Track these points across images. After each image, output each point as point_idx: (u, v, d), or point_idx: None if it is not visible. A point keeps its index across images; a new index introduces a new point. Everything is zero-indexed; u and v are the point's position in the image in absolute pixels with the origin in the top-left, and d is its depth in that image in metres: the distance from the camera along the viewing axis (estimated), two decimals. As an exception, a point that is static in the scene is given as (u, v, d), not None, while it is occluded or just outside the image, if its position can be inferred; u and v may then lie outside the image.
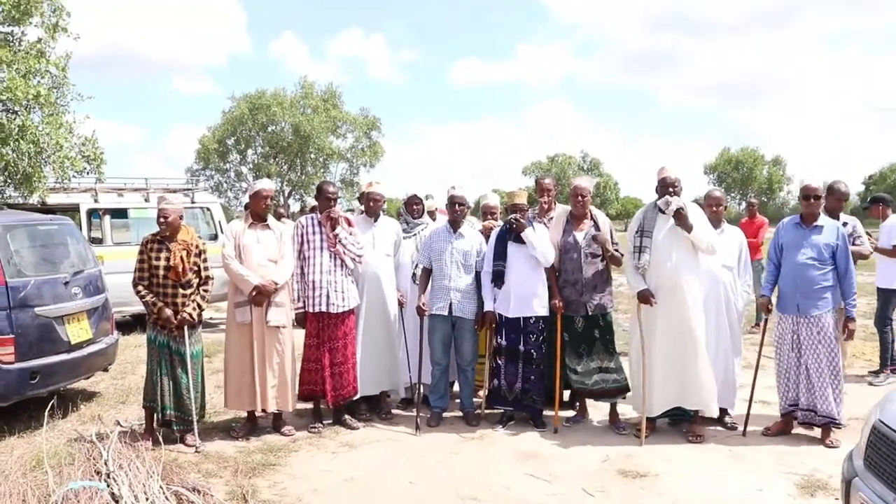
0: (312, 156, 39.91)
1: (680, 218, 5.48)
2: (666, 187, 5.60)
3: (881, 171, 55.73)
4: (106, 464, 4.60)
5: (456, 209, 6.24)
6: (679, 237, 5.55)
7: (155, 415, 5.71)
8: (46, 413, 5.57)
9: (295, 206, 35.36)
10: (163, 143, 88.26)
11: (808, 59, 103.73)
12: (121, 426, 6.10)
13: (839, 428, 5.55)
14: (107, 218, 11.13)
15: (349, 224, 6.09)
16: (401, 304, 6.43)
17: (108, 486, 4.31)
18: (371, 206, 6.36)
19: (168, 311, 5.53)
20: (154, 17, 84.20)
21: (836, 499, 4.52)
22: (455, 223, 6.26)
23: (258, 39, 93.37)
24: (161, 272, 5.58)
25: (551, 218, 6.36)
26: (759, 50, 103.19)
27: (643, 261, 5.61)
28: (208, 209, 11.97)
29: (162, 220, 5.59)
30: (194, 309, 5.67)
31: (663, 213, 5.54)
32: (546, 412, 6.09)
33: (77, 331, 6.40)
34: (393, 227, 6.55)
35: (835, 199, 6.54)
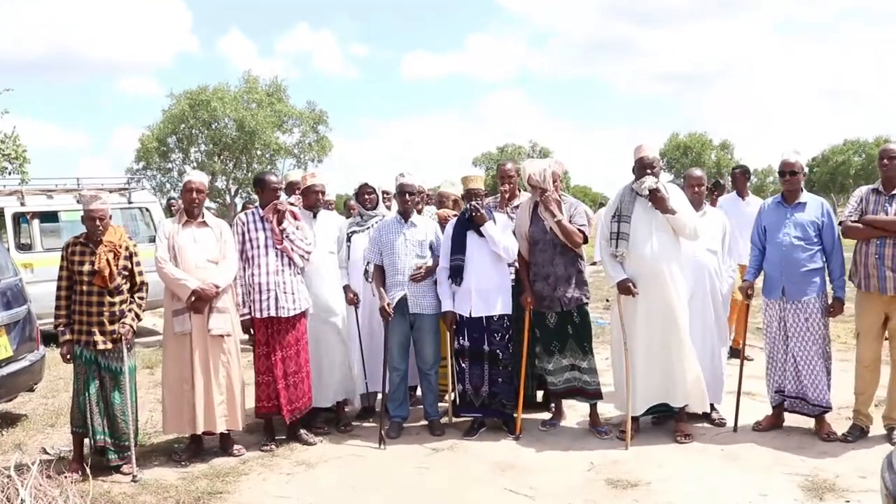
0: (258, 152, 38.86)
1: (657, 200, 5.04)
2: (644, 168, 5.15)
3: (823, 153, 56.68)
4: (23, 504, 3.97)
5: (406, 198, 5.68)
6: (659, 222, 5.11)
7: (86, 440, 5.06)
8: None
9: (241, 205, 34.46)
10: (108, 146, 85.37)
11: (758, 47, 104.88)
12: (47, 454, 5.47)
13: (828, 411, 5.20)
14: (35, 222, 10.30)
15: (295, 218, 5.50)
16: (355, 304, 5.85)
17: (23, 532, 3.70)
18: (311, 199, 5.79)
19: (66, 347, 4.94)
20: (96, 17, 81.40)
21: (847, 501, 4.15)
22: (405, 213, 5.71)
23: (204, 38, 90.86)
24: (86, 278, 4.91)
25: (516, 207, 5.85)
26: (711, 38, 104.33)
27: (621, 248, 5.16)
28: (147, 209, 11.24)
29: (97, 221, 4.92)
30: (133, 319, 5.04)
31: (641, 196, 5.10)
32: (523, 416, 5.59)
33: (-6, 349, 5.70)
34: (335, 222, 6.01)
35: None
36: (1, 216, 10.26)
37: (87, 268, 4.90)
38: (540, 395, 6.14)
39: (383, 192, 6.50)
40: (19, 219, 10.40)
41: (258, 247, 5.41)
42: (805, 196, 5.28)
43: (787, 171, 5.26)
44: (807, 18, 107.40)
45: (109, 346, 4.94)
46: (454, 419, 5.82)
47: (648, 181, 5.07)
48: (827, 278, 5.24)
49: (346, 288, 5.88)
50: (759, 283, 5.44)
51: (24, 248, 10.23)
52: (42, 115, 77.47)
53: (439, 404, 5.92)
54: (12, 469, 4.45)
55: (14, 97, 11.77)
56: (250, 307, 5.39)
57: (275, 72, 76.16)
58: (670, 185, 5.22)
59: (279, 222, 5.38)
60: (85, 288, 4.91)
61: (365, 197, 6.07)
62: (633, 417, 5.30)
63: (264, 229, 5.43)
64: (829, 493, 4.25)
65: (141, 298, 5.16)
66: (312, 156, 40.35)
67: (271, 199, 5.46)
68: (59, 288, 4.97)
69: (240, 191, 39.72)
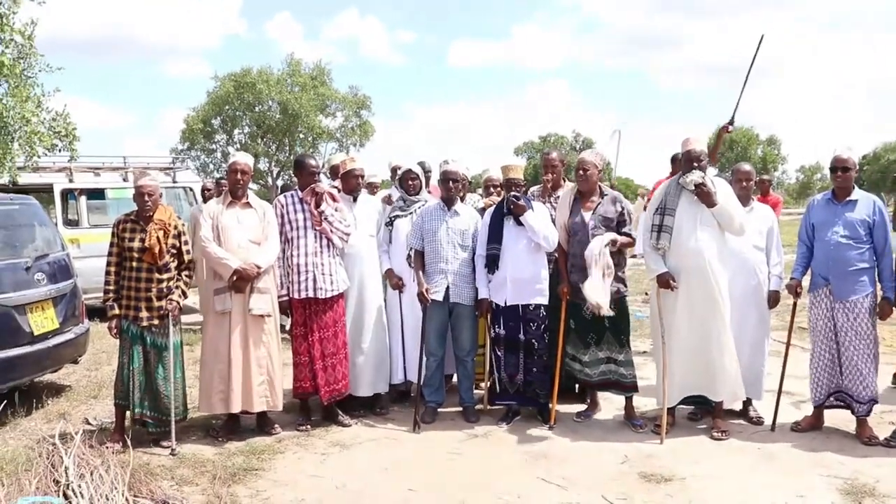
0: (301, 135, 39.11)
1: (702, 194, 4.96)
2: (690, 161, 5.07)
3: (875, 151, 55.38)
4: (66, 472, 4.07)
5: (450, 186, 5.66)
6: (704, 216, 5.03)
7: (128, 413, 5.17)
8: (1, 412, 5.01)
9: (281, 187, 34.71)
10: (156, 126, 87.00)
11: (810, 42, 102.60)
12: (89, 424, 5.61)
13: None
14: (83, 199, 10.55)
15: (334, 200, 5.53)
16: (400, 289, 5.86)
17: (66, 499, 3.79)
18: (352, 183, 5.80)
19: (114, 322, 5.03)
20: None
21: (887, 507, 4.05)
22: (449, 201, 5.70)
23: (253, 20, 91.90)
24: (135, 255, 5.00)
25: (558, 197, 5.80)
26: (761, 31, 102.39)
27: (663, 241, 5.10)
28: (191, 189, 11.42)
29: (146, 197, 5.01)
30: (180, 296, 5.13)
31: (687, 189, 5.03)
32: (558, 406, 5.56)
33: (41, 320, 5.84)
34: (374, 206, 6.01)
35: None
36: (50, 192, 10.51)
37: (136, 244, 4.99)
38: (577, 386, 6.09)
39: (392, 169, 6.48)
40: (67, 195, 10.63)
41: (297, 228, 5.46)
42: (856, 194, 5.14)
43: (839, 168, 5.12)
44: (861, 13, 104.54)
45: (156, 322, 5.03)
46: (489, 407, 5.82)
47: (694, 175, 5.00)
48: (877, 278, 5.11)
49: (390, 272, 5.86)
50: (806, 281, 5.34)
51: (71, 223, 10.47)
52: (90, 93, 78.99)
53: (474, 392, 5.92)
54: (57, 437, 4.58)
55: (64, 76, 11.93)
56: (288, 288, 5.44)
57: (321, 55, 76.61)
58: (717, 180, 5.14)
59: (317, 204, 5.41)
60: (134, 264, 5.00)
61: (409, 182, 6.04)
62: (668, 411, 5.25)
63: (303, 211, 5.47)
64: (868, 497, 4.15)
65: (188, 276, 5.24)
66: (354, 140, 40.45)
67: (309, 182, 5.48)
68: (108, 264, 5.07)
69: (281, 173, 40.02)
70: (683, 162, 5.14)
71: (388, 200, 6.23)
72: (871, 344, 5.04)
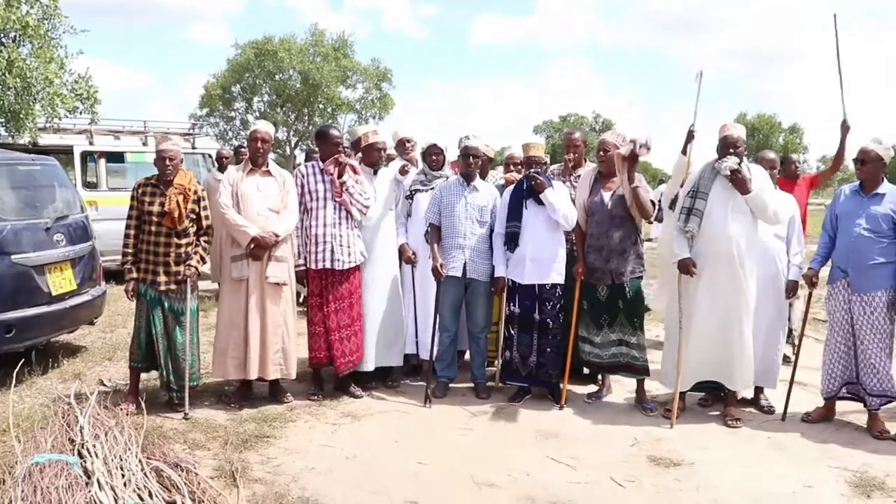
0: (321, 106, 39.01)
1: (737, 181, 4.93)
2: (727, 147, 5.04)
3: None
4: (81, 431, 4.11)
5: (470, 161, 5.64)
6: (737, 203, 5.00)
7: (142, 375, 5.23)
8: (18, 370, 5.06)
9: (301, 157, 34.67)
10: (178, 90, 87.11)
11: (839, 30, 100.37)
12: (104, 386, 5.68)
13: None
14: (102, 161, 10.59)
15: (355, 172, 5.52)
16: (412, 264, 5.87)
17: (80, 458, 3.84)
18: (374, 156, 5.77)
19: (132, 285, 5.07)
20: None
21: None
22: (468, 176, 5.68)
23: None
24: (155, 219, 5.03)
25: (578, 176, 5.77)
26: (788, 17, 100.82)
27: (692, 224, 5.07)
28: (209, 155, 11.42)
29: (167, 161, 5.03)
30: (198, 262, 5.16)
31: (722, 174, 4.99)
32: (569, 387, 5.57)
33: (59, 281, 5.89)
34: (393, 178, 5.98)
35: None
36: (70, 154, 10.56)
37: (156, 209, 5.01)
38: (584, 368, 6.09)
39: (401, 141, 6.43)
40: (87, 158, 10.67)
41: (317, 199, 5.46)
42: (885, 187, 5.06)
43: (860, 160, 5.06)
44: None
45: (173, 286, 5.06)
46: (500, 384, 5.84)
47: (731, 161, 4.96)
48: None
49: (404, 247, 5.87)
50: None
51: (90, 186, 10.52)
52: (112, 56, 78.98)
53: (487, 369, 5.94)
54: (72, 397, 4.62)
55: (87, 38, 11.94)
56: (306, 258, 5.46)
57: (343, 27, 76.19)
58: (754, 167, 5.11)
59: (340, 175, 5.41)
60: (153, 228, 5.03)
61: (433, 157, 6.02)
62: (680, 396, 5.25)
63: (324, 181, 5.47)
64: (877, 490, 4.14)
65: (207, 242, 5.26)
66: (374, 112, 40.30)
67: (333, 153, 5.47)
68: (127, 227, 5.09)
69: (300, 143, 40.00)
70: (720, 147, 5.10)
71: (404, 171, 6.20)
72: (887, 338, 5.00)
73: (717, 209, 5.04)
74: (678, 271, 5.16)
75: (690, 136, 5.30)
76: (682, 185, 5.33)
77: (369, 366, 5.73)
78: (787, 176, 6.70)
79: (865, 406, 5.10)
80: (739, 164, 4.96)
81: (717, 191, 5.05)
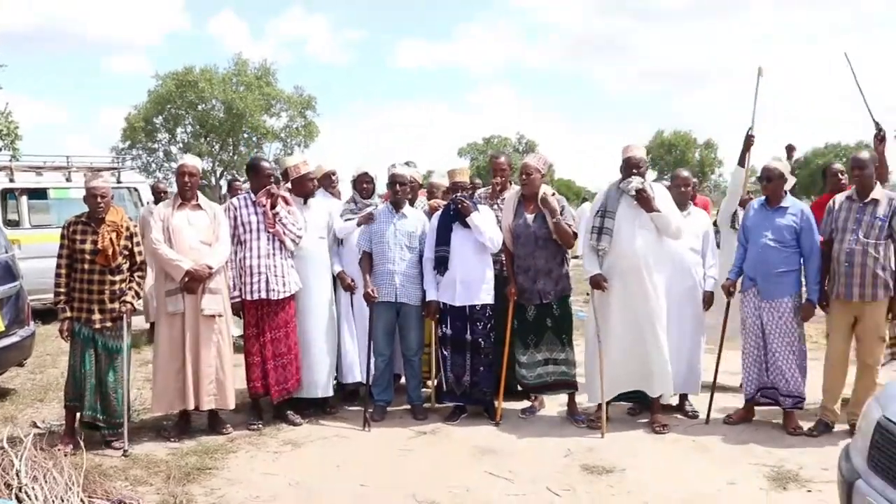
0: (245, 135, 38.76)
1: (642, 200, 5.21)
2: (630, 167, 5.32)
3: (805, 156, 57.24)
4: (17, 475, 4.07)
5: (397, 189, 5.81)
6: (643, 220, 5.29)
7: (77, 415, 5.18)
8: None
9: (226, 188, 34.27)
10: (94, 124, 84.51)
11: (751, 49, 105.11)
12: (38, 428, 5.57)
13: (801, 409, 5.40)
14: (24, 198, 10.32)
15: (286, 203, 5.63)
16: (352, 290, 5.97)
17: (19, 502, 3.81)
18: (307, 187, 5.88)
19: (66, 324, 5.03)
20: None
21: (809, 491, 4.36)
22: (396, 203, 5.84)
23: (196, 17, 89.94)
24: (87, 257, 5.00)
25: (504, 199, 6.00)
26: (702, 38, 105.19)
27: (603, 243, 5.33)
28: (136, 189, 11.26)
29: (99, 199, 5.01)
30: (133, 297, 5.15)
31: (628, 194, 5.27)
32: (504, 403, 5.75)
33: (-14, 323, 5.78)
34: (325, 207, 6.07)
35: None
36: (-11, 192, 10.27)
37: (88, 247, 4.99)
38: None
39: (326, 175, 6.52)
40: (7, 195, 10.41)
41: (250, 230, 5.53)
42: (788, 201, 5.44)
43: (765, 177, 5.45)
44: (799, 25, 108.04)
45: (108, 324, 5.05)
46: (436, 405, 5.98)
47: (635, 181, 5.24)
48: (803, 280, 5.43)
49: (342, 274, 5.96)
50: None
51: (11, 224, 10.24)
52: (25, 89, 76.44)
53: (423, 390, 6.08)
54: (5, 441, 4.53)
55: (4, 73, 11.72)
56: (241, 289, 5.52)
57: (266, 54, 75.77)
58: (656, 185, 5.40)
59: (272, 206, 5.51)
60: (86, 266, 5.00)
61: (363, 186, 6.13)
62: (607, 406, 5.48)
63: (256, 213, 5.55)
64: (792, 482, 4.45)
65: (141, 277, 5.26)
66: (299, 140, 40.23)
67: (264, 185, 5.56)
68: (58, 266, 5.05)
69: (224, 173, 39.57)
70: (623, 168, 5.37)
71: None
72: (794, 342, 5.35)
73: (624, 227, 5.31)
74: (592, 288, 5.42)
75: (749, 142, 5.40)
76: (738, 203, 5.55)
77: (311, 393, 5.80)
78: (832, 190, 6.18)
79: (781, 406, 5.44)
80: (643, 183, 5.25)
81: (623, 209, 5.33)
